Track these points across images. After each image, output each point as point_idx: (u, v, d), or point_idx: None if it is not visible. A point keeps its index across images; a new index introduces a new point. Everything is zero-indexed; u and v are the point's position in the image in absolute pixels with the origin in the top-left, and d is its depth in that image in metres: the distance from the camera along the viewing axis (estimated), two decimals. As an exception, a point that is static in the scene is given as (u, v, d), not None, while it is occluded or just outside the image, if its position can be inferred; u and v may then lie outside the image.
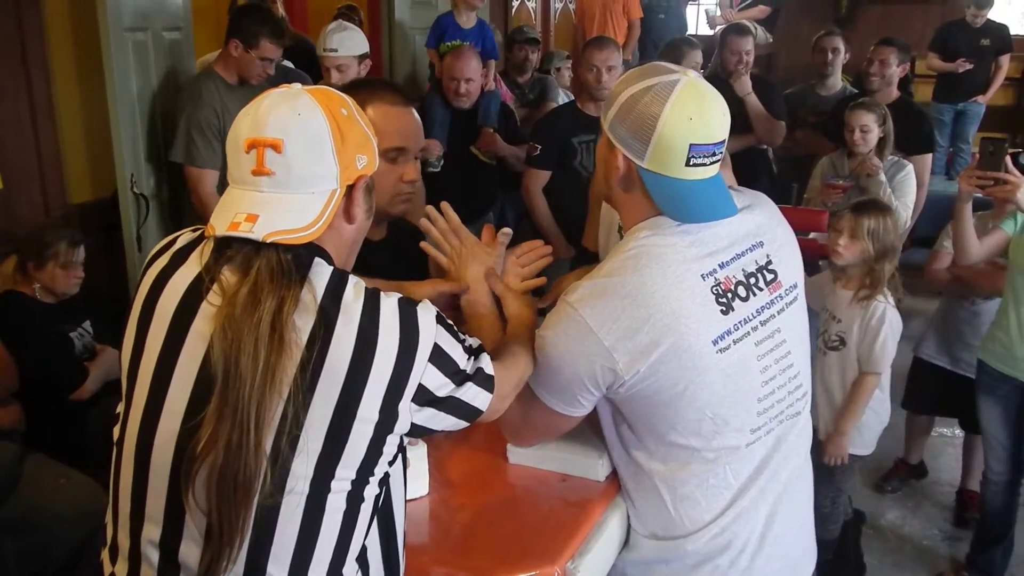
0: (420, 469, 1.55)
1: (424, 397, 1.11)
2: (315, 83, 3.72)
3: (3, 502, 2.39)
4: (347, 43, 3.30)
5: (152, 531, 1.10)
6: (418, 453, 1.53)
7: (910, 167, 3.46)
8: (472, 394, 1.18)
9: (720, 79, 4.05)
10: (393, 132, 1.62)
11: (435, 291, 1.49)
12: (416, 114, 1.73)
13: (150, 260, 1.17)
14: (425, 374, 1.10)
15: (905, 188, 3.45)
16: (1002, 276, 2.68)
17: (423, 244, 1.58)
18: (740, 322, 1.39)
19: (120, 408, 1.17)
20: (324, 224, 1.08)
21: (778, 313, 1.44)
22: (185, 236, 1.17)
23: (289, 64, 4.02)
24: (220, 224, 1.07)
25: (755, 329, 1.40)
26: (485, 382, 1.20)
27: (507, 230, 1.57)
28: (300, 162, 1.08)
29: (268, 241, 1.04)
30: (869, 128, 3.38)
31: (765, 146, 4.26)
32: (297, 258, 1.07)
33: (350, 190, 1.13)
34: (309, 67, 4.27)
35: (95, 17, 2.99)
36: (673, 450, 1.43)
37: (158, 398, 1.09)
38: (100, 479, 1.19)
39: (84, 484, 2.45)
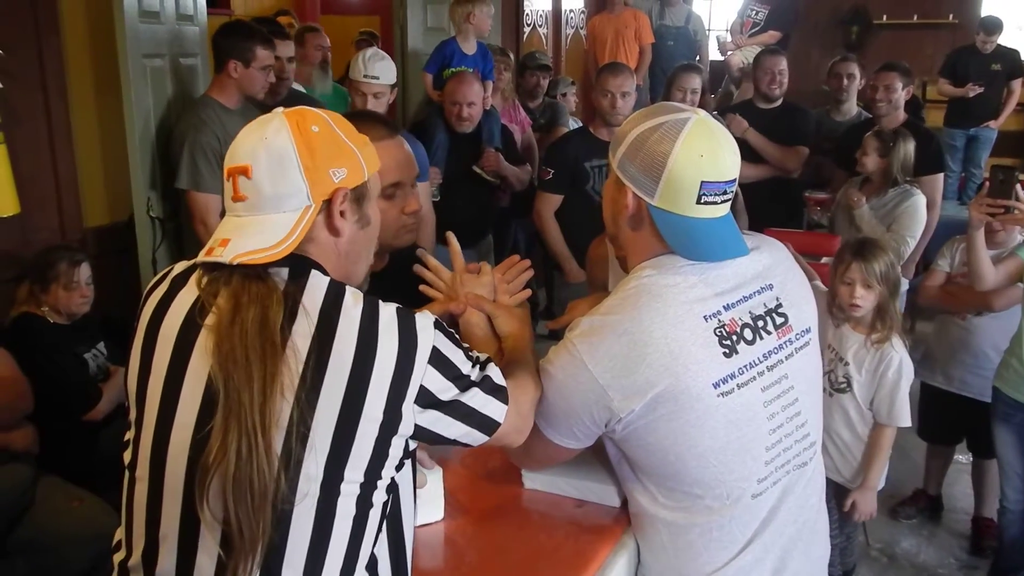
0: (435, 493, 1.54)
1: (426, 399, 1.13)
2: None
3: (16, 524, 2.40)
4: (387, 71, 3.32)
5: (167, 550, 1.11)
6: (434, 477, 1.53)
7: (916, 198, 3.40)
8: (481, 401, 1.19)
9: (743, 107, 4.17)
10: (386, 168, 1.59)
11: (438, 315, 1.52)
12: (405, 143, 1.72)
13: (149, 290, 1.22)
14: (426, 376, 1.13)
15: (907, 219, 3.38)
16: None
17: (421, 287, 1.61)
18: (745, 366, 1.35)
19: (129, 435, 1.19)
20: (296, 240, 1.12)
21: (786, 359, 1.41)
22: (181, 265, 1.22)
23: (302, 88, 4.05)
24: (202, 252, 1.13)
25: (761, 374, 1.36)
26: (495, 391, 1.21)
27: (484, 264, 1.60)
28: (267, 184, 1.12)
29: (235, 263, 1.09)
30: (868, 153, 3.45)
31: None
32: (293, 270, 1.12)
33: (328, 204, 1.16)
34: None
35: (113, 43, 3.03)
36: (675, 496, 1.40)
37: (167, 416, 1.12)
38: (113, 501, 1.21)
39: (97, 506, 2.46)
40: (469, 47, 4.30)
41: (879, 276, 2.44)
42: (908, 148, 3.41)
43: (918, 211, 3.40)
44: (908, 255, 3.43)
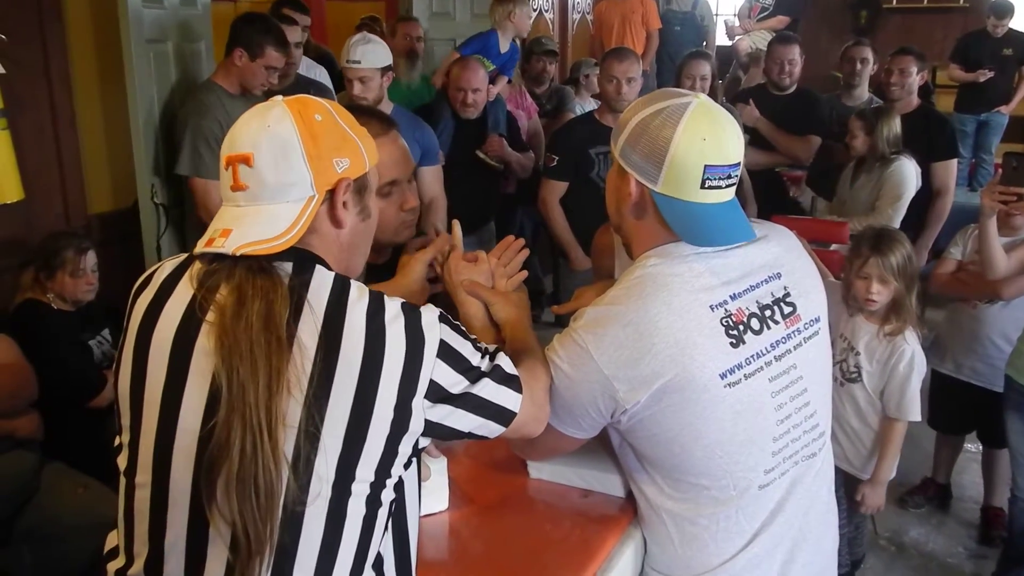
0: (440, 483, 1.53)
1: (437, 394, 1.11)
2: (337, 94, 3.74)
3: (21, 511, 2.40)
4: (370, 55, 3.28)
5: (174, 558, 1.08)
6: (438, 467, 1.52)
7: (900, 165, 3.42)
8: (492, 391, 1.17)
9: (756, 92, 4.17)
10: (381, 166, 1.53)
11: (423, 263, 1.54)
12: (400, 138, 1.69)
13: (135, 293, 1.18)
14: (435, 370, 1.11)
15: (888, 185, 3.40)
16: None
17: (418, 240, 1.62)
18: (752, 356, 1.33)
19: (120, 440, 1.16)
20: (300, 231, 1.09)
21: (795, 348, 1.39)
22: (168, 265, 1.18)
23: (313, 77, 4.02)
24: (201, 242, 1.10)
25: (769, 364, 1.35)
26: (507, 380, 1.19)
27: (480, 252, 1.60)
28: (270, 173, 1.09)
29: (239, 254, 1.06)
30: (855, 135, 3.51)
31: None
32: (297, 264, 1.09)
33: (331, 195, 1.14)
34: (330, 79, 4.27)
35: (117, 29, 3.01)
36: (682, 487, 1.38)
37: (170, 421, 1.08)
38: (118, 488, 1.18)
39: (102, 493, 2.46)
40: (505, 45, 4.29)
41: (896, 270, 2.41)
42: (893, 123, 3.44)
43: (903, 172, 3.42)
44: (897, 220, 3.43)
